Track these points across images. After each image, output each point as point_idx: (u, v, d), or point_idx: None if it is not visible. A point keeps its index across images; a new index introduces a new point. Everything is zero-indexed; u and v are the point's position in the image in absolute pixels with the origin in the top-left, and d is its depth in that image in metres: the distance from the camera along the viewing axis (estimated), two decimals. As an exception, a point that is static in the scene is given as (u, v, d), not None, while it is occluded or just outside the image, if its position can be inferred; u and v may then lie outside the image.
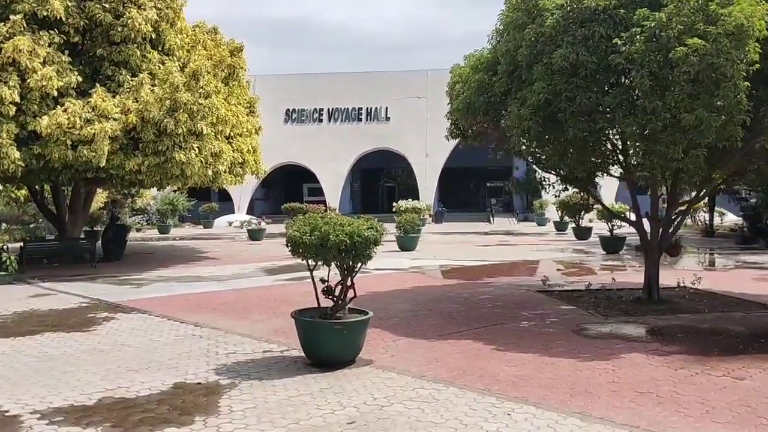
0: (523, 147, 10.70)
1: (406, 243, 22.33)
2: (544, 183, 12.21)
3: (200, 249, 24.77)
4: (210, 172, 17.78)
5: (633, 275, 14.87)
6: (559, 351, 7.85)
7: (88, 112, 15.79)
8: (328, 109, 49.11)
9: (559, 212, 34.24)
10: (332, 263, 7.29)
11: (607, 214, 20.90)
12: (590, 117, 9.19)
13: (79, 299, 12.56)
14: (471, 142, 12.94)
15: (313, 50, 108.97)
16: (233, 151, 19.58)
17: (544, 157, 11.20)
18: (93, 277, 16.04)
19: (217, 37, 22.08)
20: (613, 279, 12.99)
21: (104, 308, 11.54)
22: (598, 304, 11.06)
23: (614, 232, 21.59)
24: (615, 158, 11.79)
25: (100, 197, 34.45)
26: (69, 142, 15.46)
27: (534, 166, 12.95)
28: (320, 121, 49.36)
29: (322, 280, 7.58)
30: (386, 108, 48.65)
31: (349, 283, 7.51)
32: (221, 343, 8.61)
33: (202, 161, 17.04)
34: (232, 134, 19.85)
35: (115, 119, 15.95)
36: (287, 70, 56.91)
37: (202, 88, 16.74)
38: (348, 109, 49.06)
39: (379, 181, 56.58)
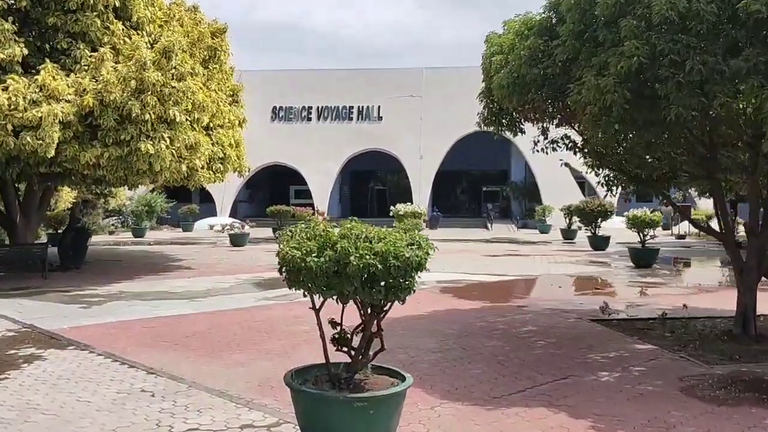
0: (594, 133, 7.98)
1: (409, 252, 19.67)
2: (612, 184, 9.60)
3: (175, 256, 21.99)
4: (184, 168, 15.05)
5: (697, 299, 12.33)
6: (688, 431, 5.24)
7: (35, 91, 13.04)
8: (318, 107, 46.41)
9: (567, 219, 31.95)
10: (351, 299, 4.66)
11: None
12: (702, 90, 6.61)
13: (8, 324, 9.79)
14: (506, 132, 10.34)
15: (300, 55, 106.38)
16: (212, 144, 16.86)
17: (619, 149, 8.58)
18: (39, 292, 13.28)
19: (197, 15, 19.32)
20: (684, 305, 10.41)
21: (34, 340, 8.80)
22: (682, 342, 8.47)
23: (645, 243, 19.07)
24: (695, 151, 9.25)
25: (68, 196, 31.59)
26: (10, 127, 12.70)
27: (584, 161, 10.32)
28: (309, 119, 46.67)
29: (333, 323, 4.95)
30: (378, 107, 46.05)
31: (375, 329, 4.88)
32: (180, 406, 5.92)
33: (173, 154, 14.32)
34: (211, 125, 17.14)
35: (67, 101, 13.21)
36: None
37: (174, 67, 14.03)
38: (338, 107, 46.40)
39: (370, 183, 53.97)
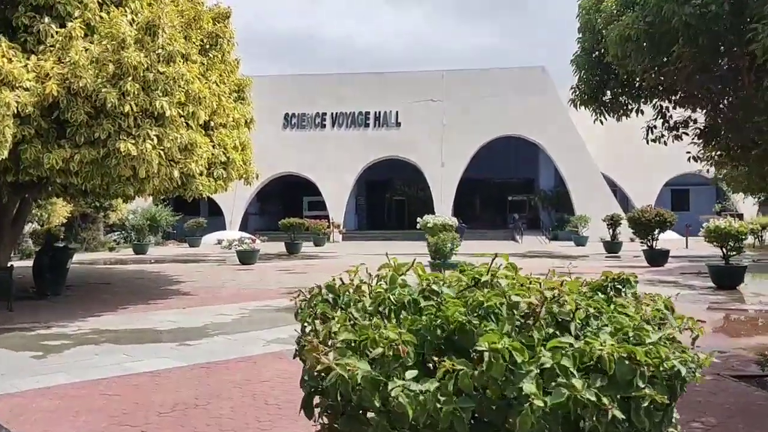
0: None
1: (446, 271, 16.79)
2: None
3: (175, 277, 19.20)
4: (177, 173, 12.24)
5: None
6: None
7: (-16, 77, 10.32)
8: (332, 113, 43.61)
9: (611, 230, 29.05)
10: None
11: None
12: None
13: None
14: (609, 114, 7.46)
15: (310, 65, 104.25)
16: (213, 146, 14.07)
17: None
18: (-6, 331, 10.50)
19: (196, -2, 16.56)
20: None
21: (-65, 422, 5.97)
22: None
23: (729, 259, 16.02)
24: None
25: (63, 210, 29.00)
26: (-49, 123, 9.97)
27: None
28: (323, 126, 43.86)
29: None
30: (396, 112, 43.20)
31: None
32: None
33: (162, 156, 11.52)
34: (212, 123, 14.36)
35: (26, 89, 10.45)
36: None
37: (161, 47, 11.26)
38: (354, 113, 43.57)
39: (387, 194, 51.07)
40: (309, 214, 40.50)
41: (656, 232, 21.56)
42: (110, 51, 10.72)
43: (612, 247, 28.31)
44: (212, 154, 13.73)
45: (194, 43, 13.89)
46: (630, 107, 7.26)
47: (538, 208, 45.45)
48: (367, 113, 43.53)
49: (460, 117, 41.60)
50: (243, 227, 40.35)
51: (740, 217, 32.31)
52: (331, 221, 38.69)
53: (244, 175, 15.85)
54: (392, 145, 42.23)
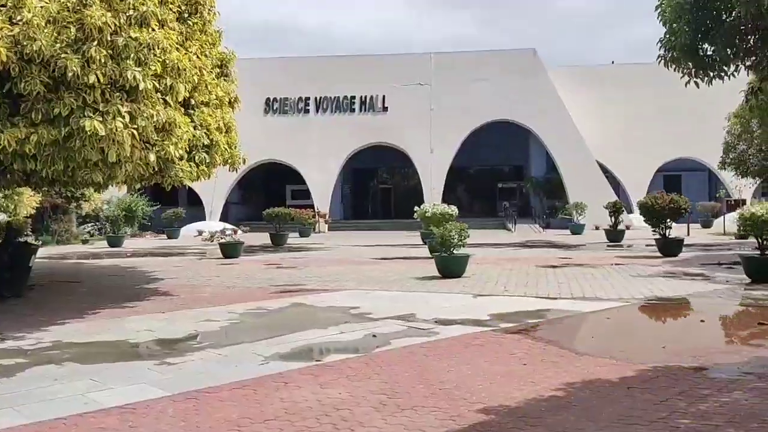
0: None
1: (452, 265, 15.25)
2: None
3: (153, 273, 17.49)
4: (153, 157, 10.52)
5: None
6: None
7: None
8: (316, 98, 41.85)
9: (612, 218, 27.78)
10: None
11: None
12: None
13: None
14: (701, 75, 5.91)
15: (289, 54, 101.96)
16: (194, 126, 12.36)
17: None
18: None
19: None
20: None
21: None
22: None
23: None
24: None
25: (31, 201, 27.03)
26: None
27: None
28: (306, 111, 42.10)
29: None
30: (383, 96, 41.55)
31: None
32: None
33: (136, 137, 9.80)
34: (194, 101, 12.66)
35: (-32, 56, 8.69)
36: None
37: (133, 7, 9.52)
38: (339, 97, 41.84)
39: (374, 182, 49.48)
40: (293, 203, 38.83)
41: (667, 220, 20.19)
42: (71, 10, 8.97)
43: (615, 235, 27.00)
44: (193, 136, 12.02)
45: (170, 8, 12.12)
46: (729, 66, 5.75)
47: (529, 195, 44.17)
48: (353, 97, 41.87)
49: (450, 101, 40.08)
50: (224, 217, 38.63)
51: (743, 202, 31.32)
52: (316, 211, 37.05)
53: (229, 160, 14.13)
54: (379, 131, 40.67)
